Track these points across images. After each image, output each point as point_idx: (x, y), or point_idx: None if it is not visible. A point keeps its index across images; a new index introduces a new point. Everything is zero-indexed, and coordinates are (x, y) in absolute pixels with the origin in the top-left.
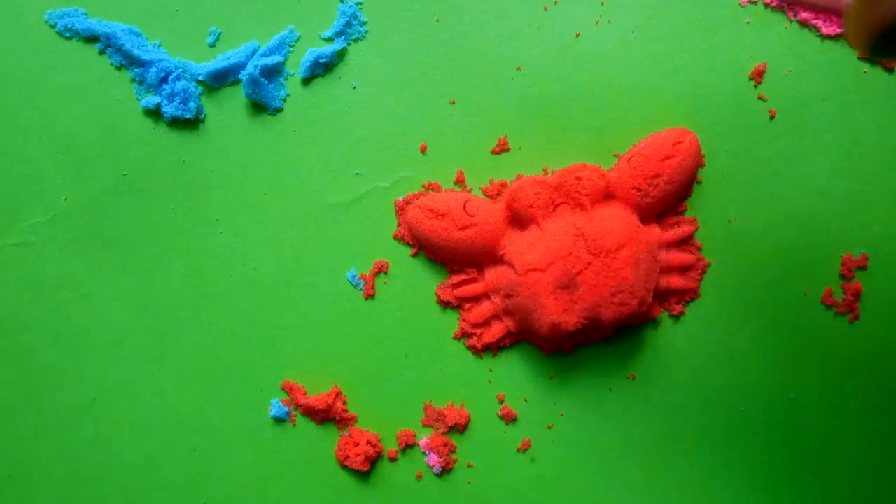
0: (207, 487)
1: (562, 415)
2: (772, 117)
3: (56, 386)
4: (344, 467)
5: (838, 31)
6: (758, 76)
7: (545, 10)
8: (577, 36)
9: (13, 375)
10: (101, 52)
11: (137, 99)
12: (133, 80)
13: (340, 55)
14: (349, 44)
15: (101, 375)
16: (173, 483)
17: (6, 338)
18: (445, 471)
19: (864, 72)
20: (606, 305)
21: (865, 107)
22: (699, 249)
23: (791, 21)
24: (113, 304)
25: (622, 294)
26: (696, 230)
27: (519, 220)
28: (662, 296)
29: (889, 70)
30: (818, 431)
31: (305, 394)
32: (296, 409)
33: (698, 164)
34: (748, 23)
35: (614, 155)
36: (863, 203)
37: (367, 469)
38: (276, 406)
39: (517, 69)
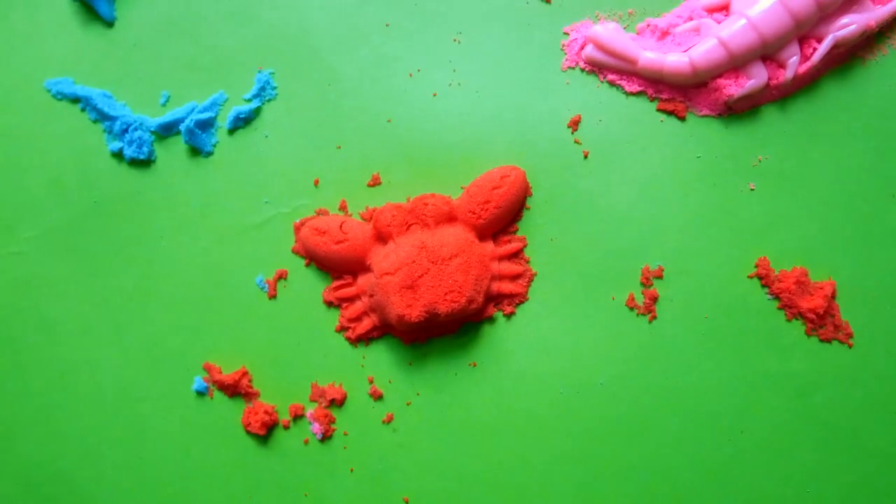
0: (144, 444)
1: (418, 394)
2: (585, 157)
3: (35, 363)
4: (248, 433)
5: (639, 89)
6: (574, 125)
7: (410, 76)
8: (434, 95)
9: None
10: (82, 110)
11: (107, 144)
12: (104, 131)
13: (257, 112)
14: (263, 103)
15: (70, 355)
16: (120, 441)
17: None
18: (326, 437)
19: (661, 121)
20: (441, 301)
21: (661, 148)
22: (527, 262)
23: (602, 82)
24: (81, 300)
25: (453, 293)
26: (524, 246)
27: (381, 237)
28: (496, 299)
29: (681, 119)
30: (623, 412)
31: (221, 372)
32: (213, 385)
33: (525, 193)
34: (567, 83)
35: (461, 187)
36: (659, 224)
37: (264, 433)
38: (198, 382)
39: (388, 121)
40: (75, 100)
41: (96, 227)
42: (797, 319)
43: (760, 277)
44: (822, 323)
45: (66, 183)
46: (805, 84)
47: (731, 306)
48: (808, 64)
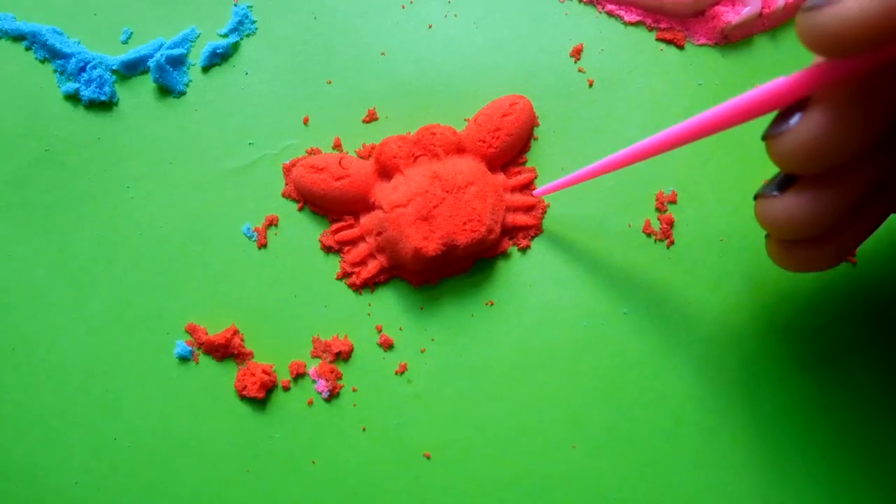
0: (119, 424)
1: (432, 339)
2: (590, 85)
3: None
4: (243, 398)
5: (637, 19)
6: (577, 54)
7: (403, 7)
8: (430, 27)
9: None
10: (27, 49)
11: (58, 86)
12: (55, 71)
13: (234, 48)
14: (241, 38)
15: (22, 326)
16: (87, 421)
17: None
18: (333, 395)
19: (661, 50)
20: (460, 232)
21: (663, 76)
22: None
23: (600, 12)
24: (33, 262)
25: (472, 222)
26: (535, 177)
27: (386, 171)
28: (511, 232)
29: (680, 48)
30: (647, 341)
31: (207, 333)
32: (198, 349)
33: (532, 122)
34: (567, 14)
35: (465, 120)
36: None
37: (262, 396)
38: (181, 346)
39: (382, 54)
40: (19, 37)
41: (48, 179)
42: None
43: None
44: None
45: (9, 130)
46: (793, 14)
47: (744, 228)
48: None
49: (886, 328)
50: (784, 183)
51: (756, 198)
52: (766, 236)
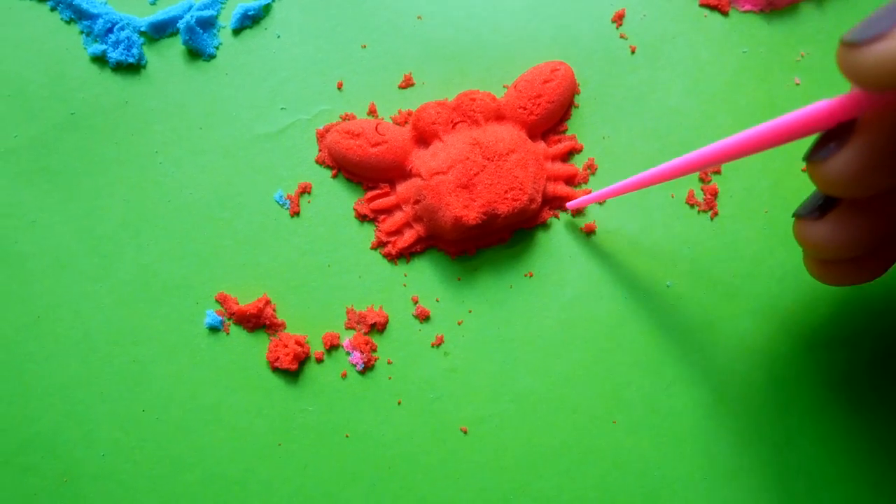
0: (147, 395)
1: (470, 311)
2: (632, 52)
3: (2, 306)
4: (275, 370)
5: None
6: (618, 20)
7: None
8: None
9: None
10: (53, 9)
11: (85, 48)
12: (81, 32)
13: (266, 10)
14: (274, 0)
15: (47, 294)
16: (114, 393)
17: None
18: (367, 368)
19: (705, 16)
20: (501, 200)
21: (707, 43)
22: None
23: None
24: (58, 229)
25: (514, 191)
26: (576, 146)
27: (423, 138)
28: (552, 202)
29: (724, 14)
30: (693, 313)
31: (238, 303)
32: (229, 319)
33: (574, 89)
34: None
35: (503, 86)
36: (710, 119)
37: (295, 368)
38: (211, 316)
39: (418, 18)
40: None
41: (74, 144)
42: None
43: None
44: None
45: (34, 93)
46: None
47: (788, 199)
48: None
49: None
50: (825, 205)
51: (796, 218)
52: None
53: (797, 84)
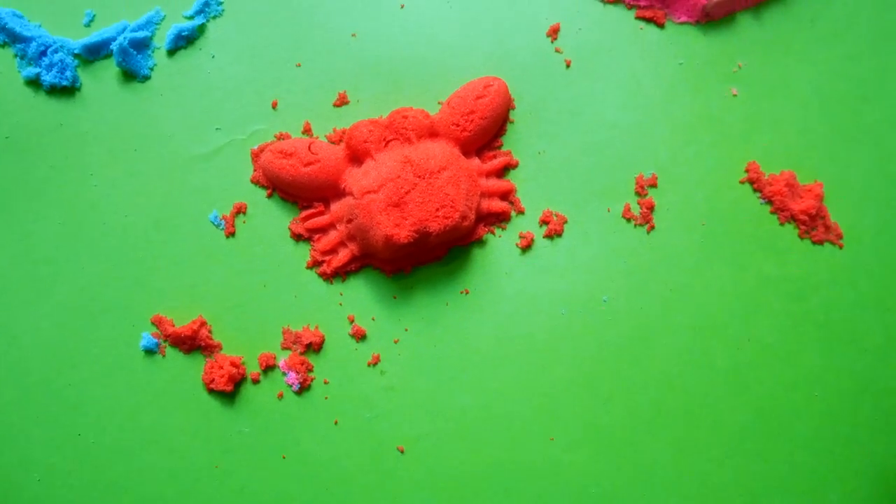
0: (82, 419)
1: (406, 330)
2: (567, 66)
3: None
4: (211, 392)
5: None
6: (553, 34)
7: None
8: (402, 7)
9: None
10: None
11: (19, 71)
12: (15, 55)
13: (201, 30)
14: (208, 20)
15: None
16: (49, 417)
17: None
18: (304, 388)
19: (641, 28)
20: (432, 218)
21: (643, 55)
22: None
23: None
24: None
25: (445, 208)
26: (511, 162)
27: (356, 156)
28: (486, 218)
29: (660, 26)
30: (629, 328)
31: (173, 325)
32: (164, 341)
33: (508, 105)
34: None
35: (438, 103)
36: (648, 132)
37: (231, 389)
38: (146, 338)
39: (353, 35)
40: None
41: (10, 167)
42: (790, 223)
43: (752, 182)
44: (814, 225)
45: None
46: None
47: (726, 212)
48: None
49: (872, 311)
50: None
51: None
52: None
53: (734, 95)
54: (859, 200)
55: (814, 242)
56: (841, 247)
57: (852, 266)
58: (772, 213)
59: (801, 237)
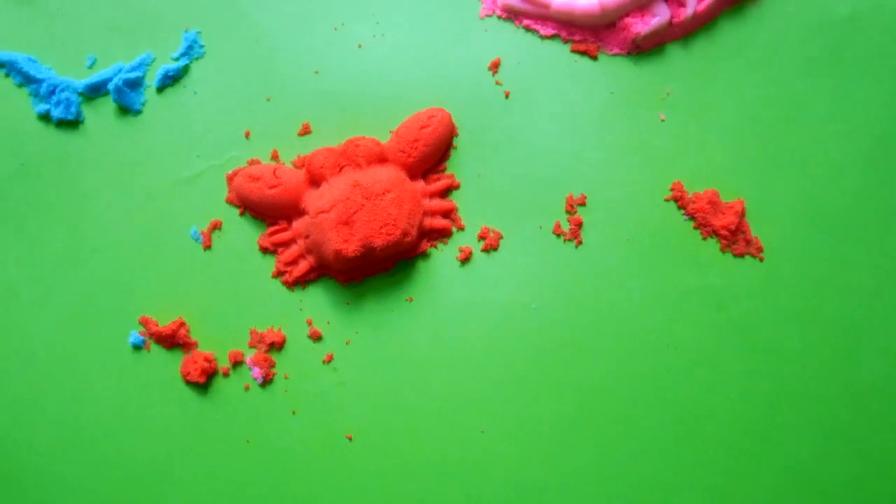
0: (78, 405)
1: (356, 332)
2: (507, 97)
3: None
4: (187, 383)
5: (553, 32)
6: (494, 67)
7: (335, 29)
8: (360, 47)
9: None
10: (6, 76)
11: (32, 107)
12: (30, 94)
13: (185, 70)
14: (191, 61)
15: None
16: (48, 409)
17: None
18: (266, 381)
19: (575, 61)
20: (377, 235)
21: (576, 86)
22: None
23: (518, 27)
24: (7, 262)
25: (388, 226)
26: (453, 184)
27: (314, 180)
28: (429, 234)
29: (593, 58)
30: (555, 333)
31: (157, 325)
32: (150, 338)
33: (452, 133)
34: (486, 31)
35: (390, 131)
36: (579, 156)
37: (203, 382)
38: (134, 336)
39: (316, 72)
40: None
41: (23, 190)
42: (712, 237)
43: (676, 200)
44: (735, 239)
45: None
46: (704, 22)
47: (651, 228)
48: (707, 1)
49: (790, 319)
50: None
51: None
52: None
53: (662, 120)
54: (780, 216)
55: (735, 255)
56: (761, 259)
57: (772, 277)
58: (695, 228)
59: (722, 251)
